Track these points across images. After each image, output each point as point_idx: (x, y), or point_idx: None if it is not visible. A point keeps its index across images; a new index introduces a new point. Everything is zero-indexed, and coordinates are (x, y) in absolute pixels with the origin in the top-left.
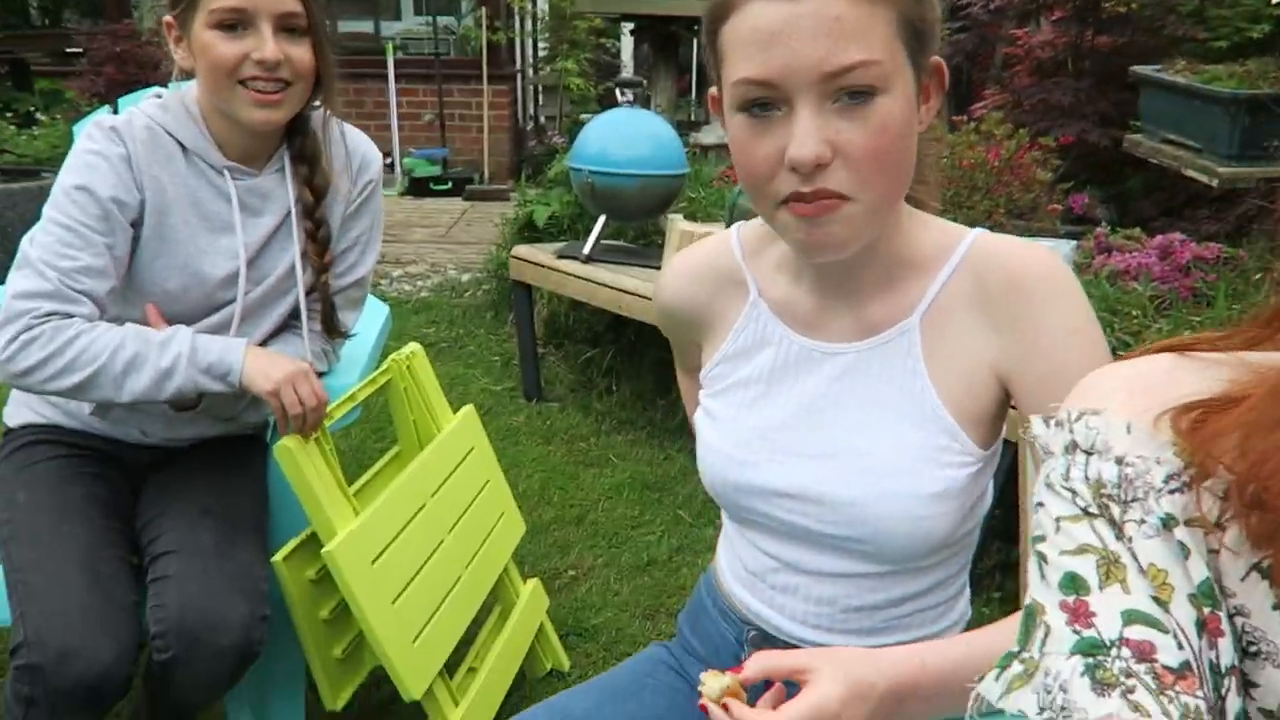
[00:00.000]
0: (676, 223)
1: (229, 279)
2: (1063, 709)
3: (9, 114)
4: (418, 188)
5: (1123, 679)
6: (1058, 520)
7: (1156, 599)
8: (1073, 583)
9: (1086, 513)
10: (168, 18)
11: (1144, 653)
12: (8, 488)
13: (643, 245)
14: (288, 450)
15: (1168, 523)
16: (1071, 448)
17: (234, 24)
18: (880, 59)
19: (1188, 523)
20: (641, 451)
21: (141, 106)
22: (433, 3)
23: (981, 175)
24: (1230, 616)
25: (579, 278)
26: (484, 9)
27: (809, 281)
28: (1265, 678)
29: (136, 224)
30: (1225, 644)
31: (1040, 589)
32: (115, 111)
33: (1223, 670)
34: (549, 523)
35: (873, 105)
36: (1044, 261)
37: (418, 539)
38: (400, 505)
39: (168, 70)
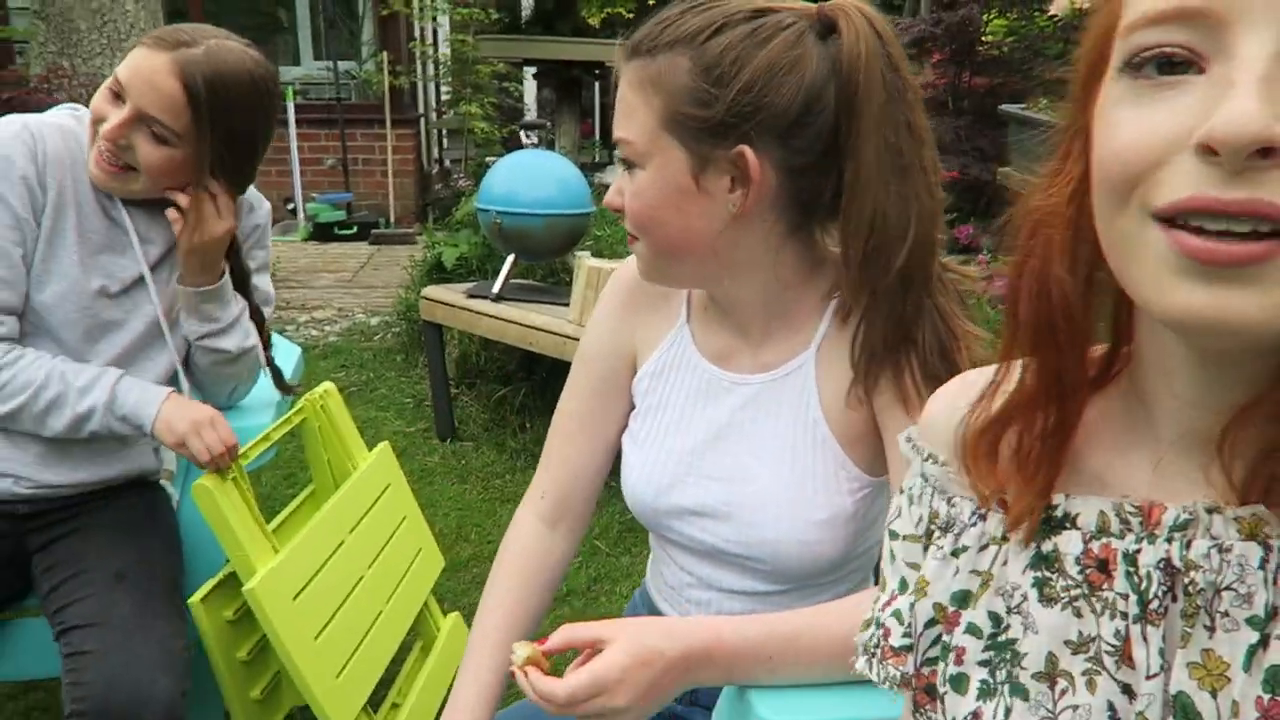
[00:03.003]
0: (584, 260)
1: (112, 297)
2: (853, 661)
3: None
4: (322, 233)
5: (872, 649)
6: (904, 537)
7: (914, 602)
8: (901, 584)
9: (919, 537)
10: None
11: (885, 635)
12: None
13: (551, 284)
14: (205, 489)
15: (957, 552)
16: (924, 477)
17: (118, 91)
18: (633, 139)
19: (982, 547)
20: None
21: (58, 110)
22: (333, 48)
23: None
24: (1008, 611)
25: (490, 316)
26: (385, 54)
27: (717, 320)
28: (1028, 644)
29: (38, 224)
30: (959, 631)
31: (888, 569)
32: None
33: (950, 646)
34: (467, 559)
35: (635, 174)
36: None
37: (337, 575)
38: (319, 542)
39: None
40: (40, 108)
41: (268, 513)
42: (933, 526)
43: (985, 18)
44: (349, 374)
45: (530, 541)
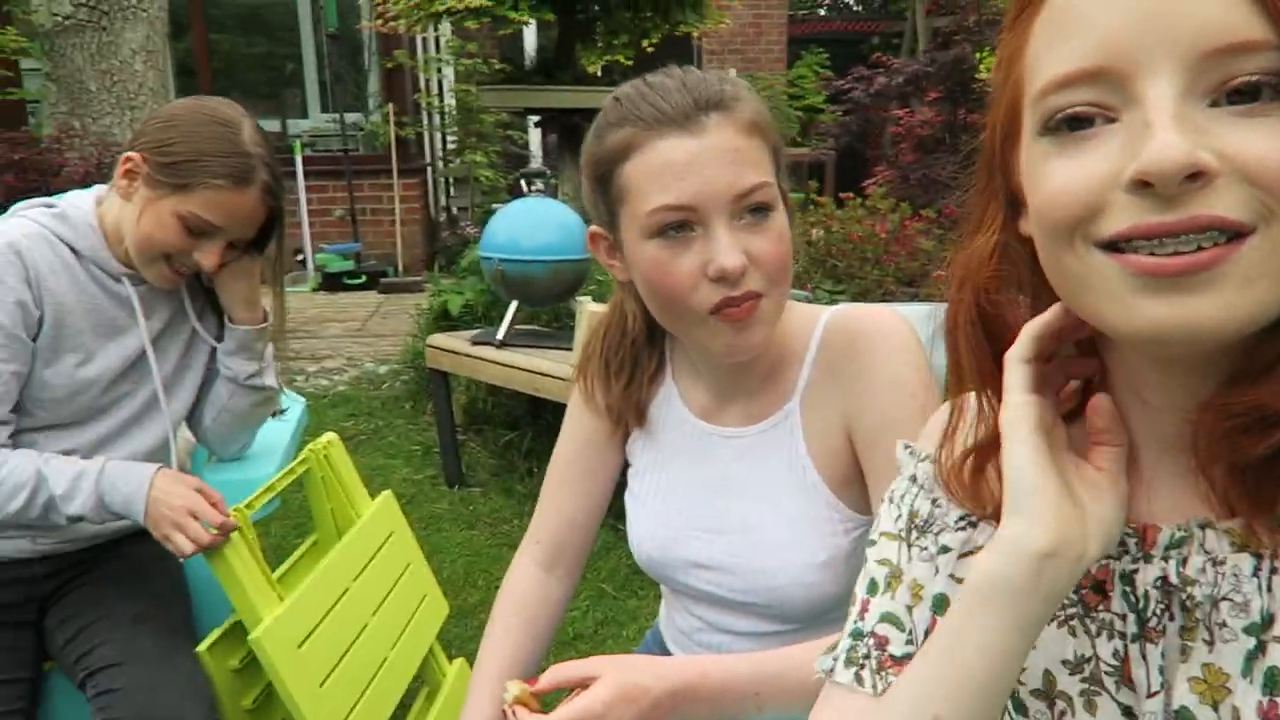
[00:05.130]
0: (586, 305)
1: (113, 381)
2: (830, 672)
3: None
4: (331, 283)
5: (861, 659)
6: (882, 533)
7: (909, 606)
8: (870, 586)
9: (898, 535)
10: None
11: (881, 643)
12: None
13: (555, 329)
14: None
15: (941, 551)
16: (912, 479)
17: (202, 228)
18: (771, 181)
19: (964, 554)
20: None
21: (33, 215)
22: (340, 100)
23: (870, 247)
24: None
25: (495, 363)
26: (391, 105)
27: (702, 376)
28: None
29: (35, 339)
30: None
31: (860, 583)
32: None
33: None
34: (475, 605)
35: (770, 219)
36: (882, 319)
37: (342, 623)
38: (323, 590)
39: (67, 176)
40: (53, 168)
41: (275, 563)
42: (912, 525)
43: (979, 56)
44: (358, 422)
45: (527, 586)
